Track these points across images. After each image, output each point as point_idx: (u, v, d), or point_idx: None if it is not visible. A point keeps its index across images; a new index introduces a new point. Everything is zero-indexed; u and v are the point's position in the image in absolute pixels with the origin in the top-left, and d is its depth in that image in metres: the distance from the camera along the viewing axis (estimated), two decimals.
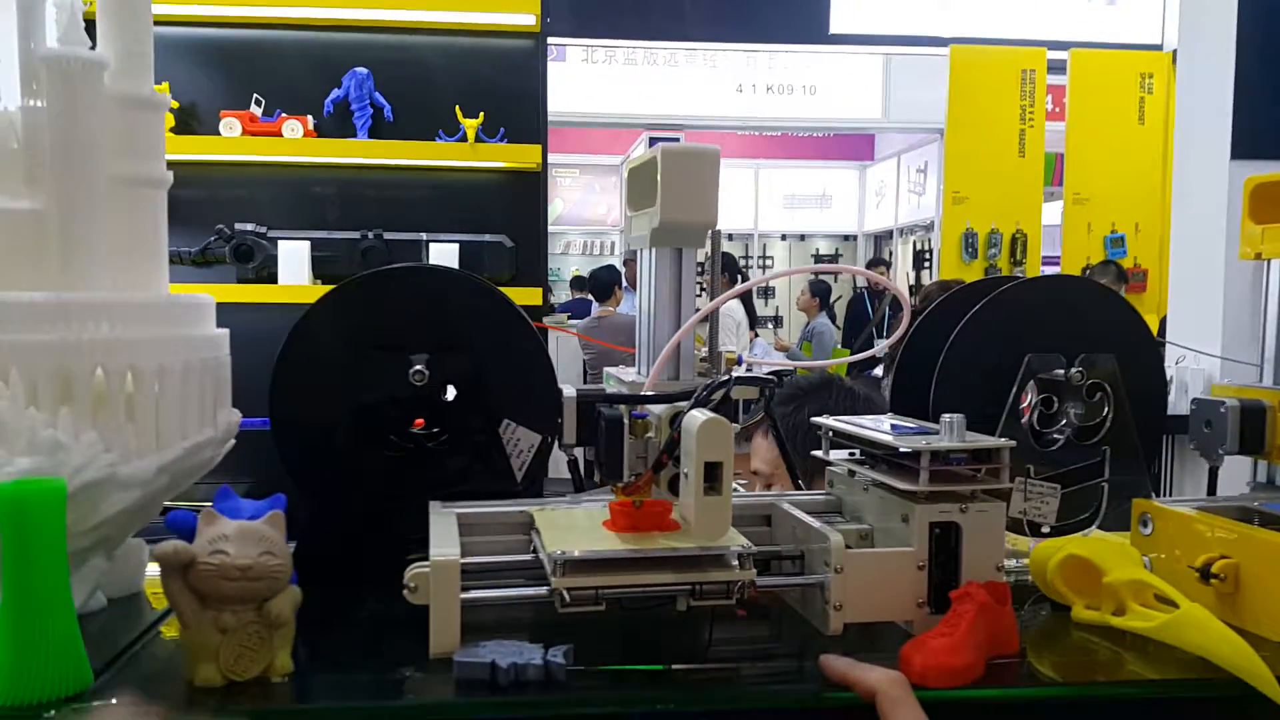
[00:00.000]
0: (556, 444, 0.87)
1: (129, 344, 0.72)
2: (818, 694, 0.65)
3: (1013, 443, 0.77)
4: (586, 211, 9.06)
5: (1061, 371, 0.92)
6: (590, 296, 5.62)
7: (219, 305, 0.86)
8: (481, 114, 2.48)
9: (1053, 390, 0.94)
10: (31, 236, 0.73)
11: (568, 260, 8.90)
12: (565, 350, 4.44)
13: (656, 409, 0.79)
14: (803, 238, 9.30)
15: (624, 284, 5.30)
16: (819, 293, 6.26)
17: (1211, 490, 0.97)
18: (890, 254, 8.49)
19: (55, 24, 0.77)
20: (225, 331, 0.85)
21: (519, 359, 0.87)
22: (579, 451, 0.89)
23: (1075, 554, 0.79)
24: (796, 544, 0.78)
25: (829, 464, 0.87)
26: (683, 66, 6.40)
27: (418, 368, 0.83)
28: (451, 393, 0.87)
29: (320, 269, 2.40)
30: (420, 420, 0.87)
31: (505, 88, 2.56)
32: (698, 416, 0.68)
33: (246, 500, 0.71)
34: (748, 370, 0.87)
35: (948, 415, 0.77)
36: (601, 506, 0.78)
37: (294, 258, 2.38)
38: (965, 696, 0.66)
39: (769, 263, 9.10)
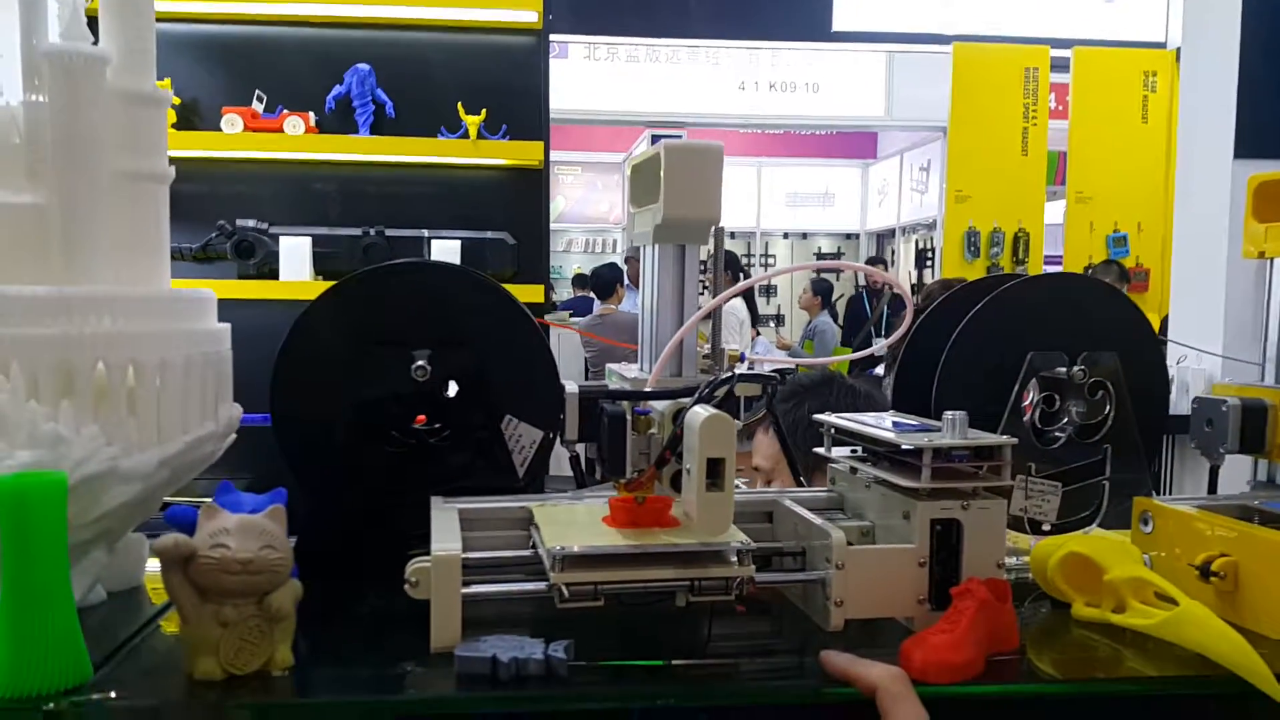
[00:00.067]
0: (559, 440, 0.87)
1: (131, 338, 0.72)
2: (818, 690, 0.65)
3: (1014, 440, 0.77)
4: (588, 209, 9.06)
5: (1064, 370, 0.92)
6: (592, 294, 5.62)
7: (220, 301, 0.86)
8: (484, 111, 2.48)
9: (1055, 388, 0.94)
10: (34, 231, 0.73)
11: (569, 258, 8.91)
12: (567, 348, 4.45)
13: (659, 405, 0.79)
14: (805, 236, 9.30)
15: (626, 282, 5.29)
16: (821, 291, 6.26)
17: (1212, 489, 0.97)
18: (893, 253, 8.49)
19: (57, 19, 0.77)
20: (226, 326, 0.85)
21: (521, 355, 0.87)
22: (580, 448, 0.89)
23: (1076, 551, 0.79)
24: (798, 540, 0.78)
25: (830, 461, 0.87)
26: (685, 64, 6.40)
27: (420, 363, 0.83)
28: (454, 389, 0.87)
29: (321, 265, 2.41)
30: (422, 417, 0.87)
31: (507, 85, 2.56)
32: (700, 413, 0.68)
33: (247, 494, 0.71)
34: (750, 368, 0.87)
35: (950, 412, 0.77)
36: (602, 503, 0.78)
37: (295, 254, 2.38)
38: (965, 693, 0.66)
39: (771, 261, 9.10)
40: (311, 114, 2.45)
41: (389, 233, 2.43)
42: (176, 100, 2.42)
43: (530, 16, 2.51)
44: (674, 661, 0.68)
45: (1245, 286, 3.02)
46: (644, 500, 0.74)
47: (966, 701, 0.66)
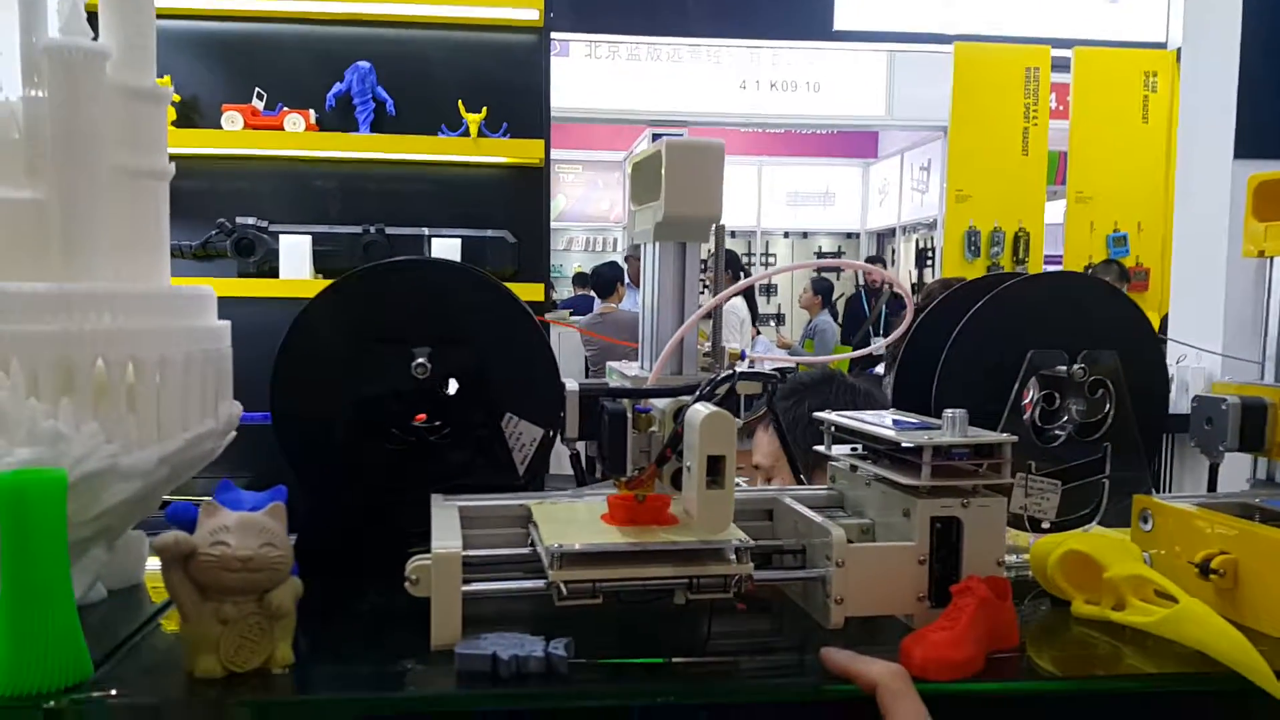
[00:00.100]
0: (559, 439, 0.87)
1: (130, 335, 0.72)
2: (818, 687, 0.65)
3: (1014, 438, 0.77)
4: (589, 208, 9.06)
5: (1064, 368, 0.92)
6: (592, 293, 5.62)
7: (220, 299, 0.86)
8: (484, 109, 2.48)
9: (1055, 386, 0.94)
10: (33, 227, 0.73)
11: (570, 256, 8.91)
12: (567, 346, 4.44)
13: (660, 403, 0.79)
14: (805, 235, 9.30)
15: (626, 280, 5.29)
16: (821, 290, 6.26)
17: (1212, 488, 0.97)
18: (893, 252, 8.49)
19: (57, 14, 0.77)
20: (227, 323, 0.85)
21: (522, 353, 0.87)
22: (580, 446, 0.89)
23: (1075, 549, 0.79)
24: (798, 538, 0.78)
25: (831, 459, 0.87)
26: (686, 63, 6.40)
27: (420, 361, 0.83)
28: (454, 386, 0.87)
29: (321, 263, 2.41)
30: (422, 415, 0.87)
31: (508, 82, 2.56)
32: (701, 410, 0.68)
33: (247, 492, 0.71)
34: (750, 366, 0.87)
35: (950, 410, 0.77)
36: (601, 501, 0.78)
37: (295, 252, 2.38)
38: (965, 690, 0.66)
39: (772, 260, 9.10)
40: (312, 111, 2.45)
41: (389, 231, 2.43)
42: (176, 98, 2.41)
43: (531, 14, 2.51)
44: (674, 659, 0.68)
45: (1245, 286, 3.02)
46: (644, 498, 0.74)
47: (967, 699, 0.66)
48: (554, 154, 2.62)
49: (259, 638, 0.63)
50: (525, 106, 2.54)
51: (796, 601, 0.79)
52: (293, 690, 0.63)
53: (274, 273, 2.39)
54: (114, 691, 0.62)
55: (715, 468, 0.68)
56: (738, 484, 0.72)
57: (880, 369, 3.37)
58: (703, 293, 0.90)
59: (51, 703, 0.60)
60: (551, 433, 0.87)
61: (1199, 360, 3.02)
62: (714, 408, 0.69)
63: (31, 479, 0.60)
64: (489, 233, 2.50)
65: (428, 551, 0.69)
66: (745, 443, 1.59)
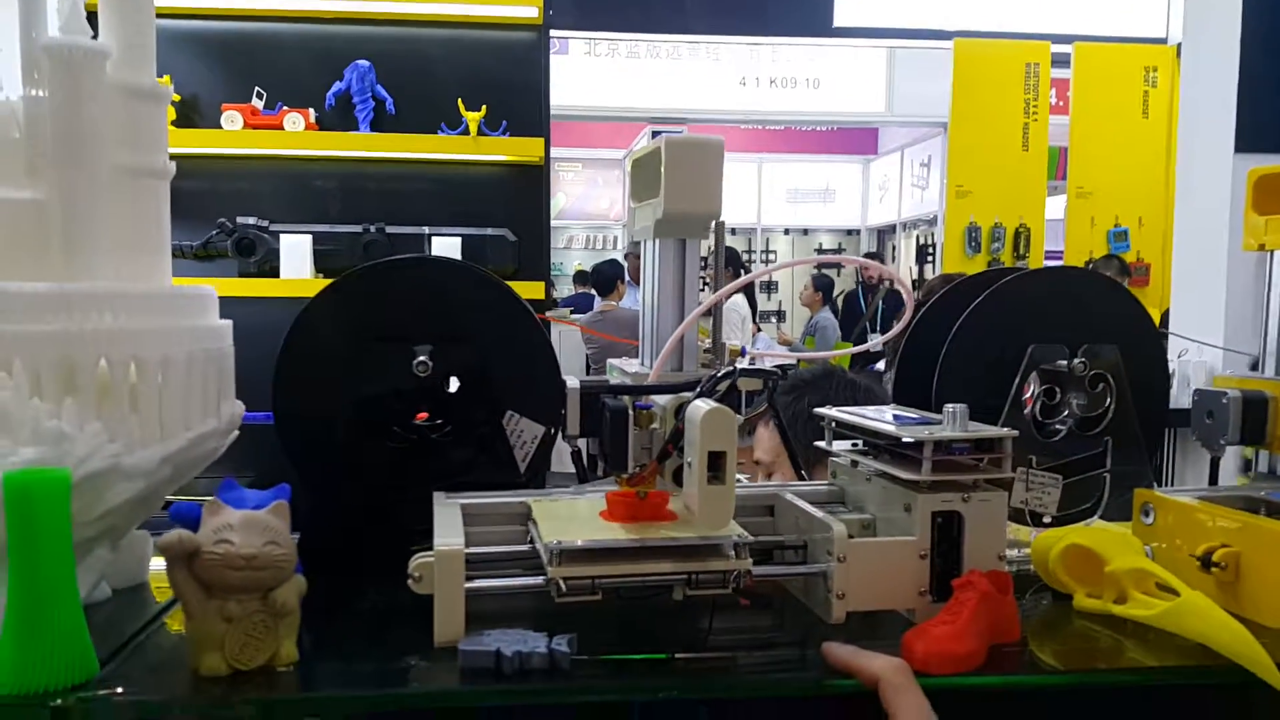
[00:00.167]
0: (560, 436, 0.87)
1: (132, 335, 0.72)
2: (820, 682, 0.66)
3: (1015, 432, 0.77)
4: (589, 206, 9.06)
5: (1064, 362, 0.92)
6: (593, 291, 5.62)
7: (221, 299, 0.86)
8: (484, 107, 2.48)
9: (1055, 381, 0.94)
10: (33, 227, 0.73)
11: (570, 255, 8.91)
12: (568, 344, 4.45)
13: (661, 400, 0.79)
14: (806, 232, 9.30)
15: (627, 278, 5.29)
16: (822, 287, 6.26)
17: (1213, 482, 0.97)
18: (894, 248, 8.49)
19: (57, 14, 0.77)
20: (228, 323, 0.85)
21: (523, 351, 0.88)
22: (581, 443, 0.89)
23: (1077, 543, 0.79)
24: (799, 534, 0.79)
25: (831, 454, 0.87)
26: (686, 60, 6.40)
27: (421, 359, 0.83)
28: (455, 384, 0.87)
29: (322, 262, 2.41)
30: (424, 413, 0.87)
31: (507, 81, 2.56)
32: (702, 406, 0.68)
33: (251, 490, 0.71)
34: (751, 362, 0.87)
35: (950, 405, 0.77)
36: (601, 498, 0.78)
37: (296, 251, 2.38)
38: (967, 684, 0.66)
39: (772, 257, 9.10)
40: (311, 110, 2.45)
41: (389, 229, 2.43)
42: (176, 97, 2.42)
43: (530, 12, 2.51)
44: (676, 655, 0.69)
45: (1246, 280, 3.02)
46: (645, 494, 0.74)
47: (968, 693, 0.66)
48: (554, 152, 2.62)
49: (263, 635, 0.63)
50: (525, 104, 2.55)
51: (798, 597, 0.79)
52: (297, 688, 0.64)
53: (275, 272, 2.39)
54: (120, 689, 0.62)
55: (716, 464, 0.68)
56: (739, 480, 0.72)
57: (881, 365, 3.37)
58: (703, 290, 0.90)
59: (58, 701, 0.60)
60: (553, 430, 0.87)
61: (1200, 354, 3.02)
62: (715, 404, 0.69)
63: (36, 478, 0.60)
64: (489, 231, 2.50)
65: (430, 549, 0.69)
66: (746, 439, 1.59)
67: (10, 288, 0.68)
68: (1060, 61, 4.89)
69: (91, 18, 0.78)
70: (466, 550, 0.69)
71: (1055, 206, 5.08)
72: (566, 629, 0.66)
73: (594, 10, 4.74)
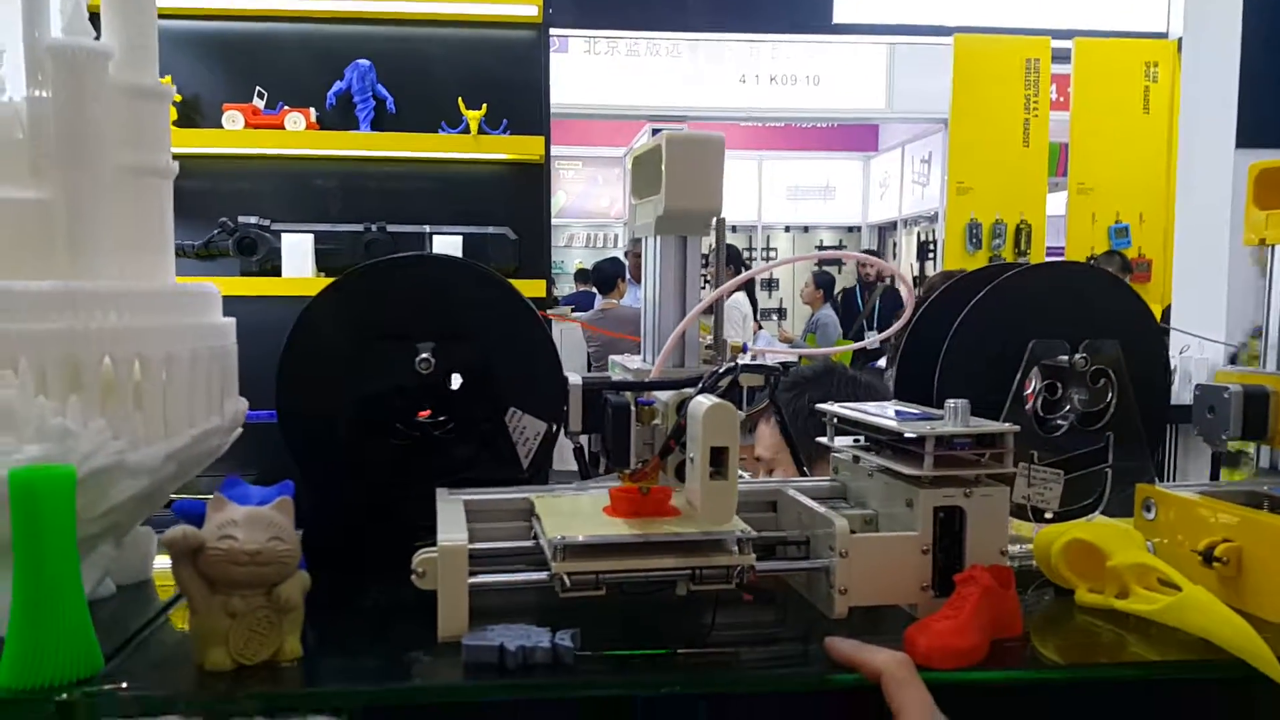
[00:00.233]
0: (563, 432, 0.87)
1: (136, 332, 0.72)
2: (822, 677, 0.66)
3: (1016, 427, 0.77)
4: (589, 204, 9.06)
5: (1066, 358, 0.93)
6: (594, 289, 5.62)
7: (222, 298, 0.86)
8: (484, 106, 2.48)
9: (1057, 376, 0.94)
10: (38, 226, 0.74)
11: (570, 253, 8.91)
12: (569, 342, 4.45)
13: (663, 396, 0.80)
14: (806, 229, 9.29)
15: (628, 277, 5.30)
16: (823, 284, 6.26)
17: (1215, 477, 0.98)
18: (894, 245, 8.48)
19: (60, 14, 0.78)
20: (231, 320, 0.86)
21: (525, 348, 0.88)
22: (583, 440, 0.90)
23: (1079, 538, 0.79)
24: (802, 529, 0.79)
25: (833, 450, 0.87)
26: (685, 57, 6.39)
27: (424, 356, 0.84)
28: (457, 381, 0.87)
29: (323, 261, 2.41)
30: (426, 411, 0.88)
31: (508, 79, 2.57)
32: (703, 402, 0.69)
33: (255, 487, 0.71)
34: (753, 359, 0.87)
35: (952, 400, 0.77)
36: (604, 493, 0.78)
37: (297, 250, 2.39)
38: (969, 679, 0.66)
39: (773, 254, 9.10)
40: (312, 110, 2.46)
41: (390, 228, 2.44)
42: (178, 98, 2.42)
43: (530, 10, 2.52)
44: (679, 650, 0.69)
45: (1247, 276, 3.02)
46: (648, 490, 0.74)
47: (971, 687, 0.66)
48: (554, 150, 2.63)
49: (267, 631, 0.63)
50: (525, 103, 2.55)
51: (800, 592, 0.79)
52: (301, 683, 0.64)
53: (276, 271, 2.40)
54: (124, 684, 0.62)
55: (718, 459, 0.68)
56: (740, 476, 0.72)
57: (882, 362, 3.37)
58: (703, 287, 0.90)
59: (63, 695, 0.60)
60: (555, 427, 0.87)
61: (1201, 350, 3.02)
62: (717, 399, 0.69)
63: (41, 475, 0.60)
64: (490, 229, 2.51)
65: (433, 545, 0.69)
66: (748, 437, 1.60)
67: (15, 286, 0.69)
68: (1060, 57, 4.88)
69: (94, 19, 0.78)
70: (470, 546, 0.69)
71: (1056, 203, 5.08)
72: (570, 624, 0.66)
73: (594, 8, 4.74)
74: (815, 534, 0.77)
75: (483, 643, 0.64)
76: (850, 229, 9.28)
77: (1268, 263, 0.97)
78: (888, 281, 6.87)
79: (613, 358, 0.94)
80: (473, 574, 0.69)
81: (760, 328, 5.57)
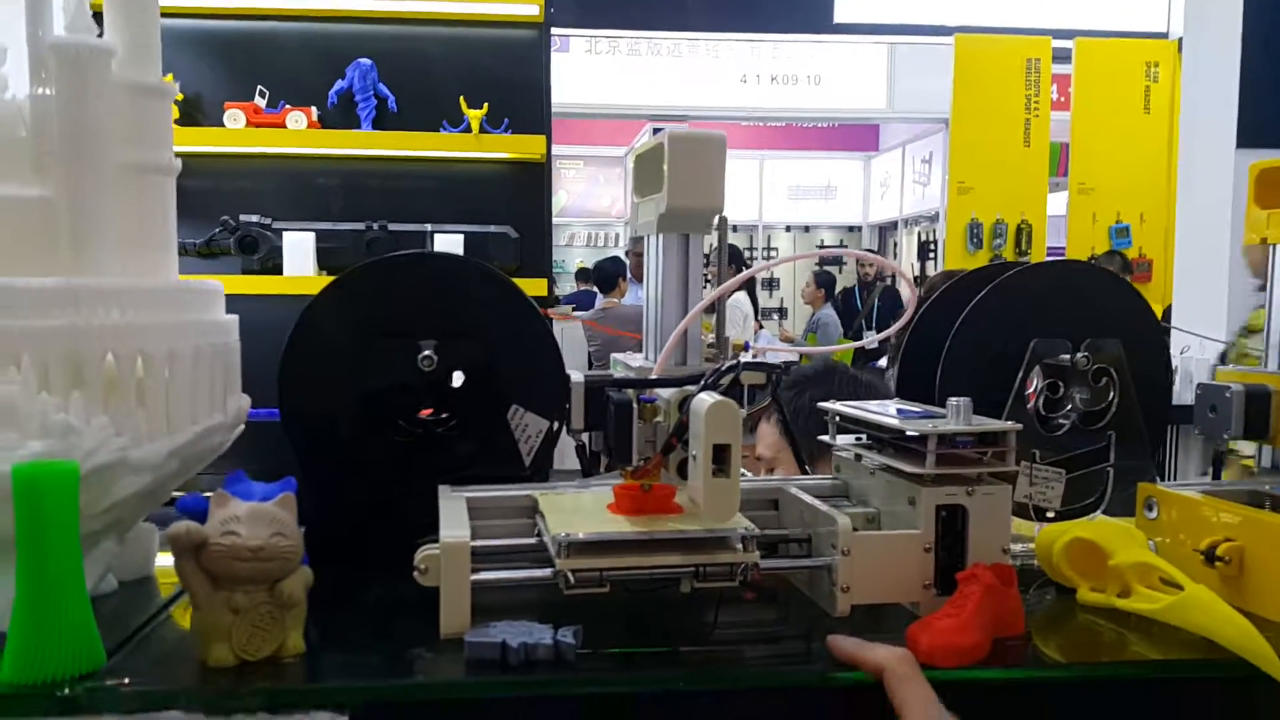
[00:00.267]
0: (565, 430, 0.87)
1: (139, 329, 0.72)
2: (824, 674, 0.66)
3: (1019, 425, 0.77)
4: (590, 203, 9.06)
5: (1067, 357, 0.93)
6: (594, 288, 5.62)
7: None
8: (485, 105, 2.48)
9: (1058, 375, 0.94)
10: (41, 223, 0.74)
11: (571, 252, 8.91)
12: (570, 341, 4.45)
13: (665, 393, 0.80)
14: (807, 229, 9.29)
15: (629, 276, 5.29)
16: (824, 284, 6.26)
17: (1216, 477, 0.98)
18: (895, 245, 8.48)
19: (63, 12, 0.78)
20: (234, 317, 0.86)
21: (527, 345, 0.88)
22: (585, 439, 0.90)
23: (1081, 536, 0.79)
24: (804, 527, 0.79)
25: (836, 448, 0.87)
26: (686, 57, 6.39)
27: (426, 353, 0.84)
28: (460, 379, 0.87)
29: (325, 260, 2.41)
30: (428, 409, 0.88)
31: (509, 78, 2.56)
32: (706, 399, 0.69)
33: (258, 483, 0.71)
34: (755, 357, 0.87)
35: (954, 399, 0.77)
36: (607, 490, 0.78)
37: (299, 249, 2.39)
38: (971, 677, 0.66)
39: (774, 254, 9.10)
40: (314, 109, 2.46)
41: (392, 227, 2.44)
42: (179, 96, 2.42)
43: (531, 10, 2.52)
44: (681, 647, 0.69)
45: (1248, 275, 3.01)
46: (650, 488, 0.74)
47: (972, 685, 0.66)
48: (555, 149, 2.63)
49: (270, 626, 0.64)
50: (526, 102, 2.55)
51: (802, 590, 0.79)
52: (304, 678, 0.64)
53: (278, 270, 2.40)
54: (126, 679, 0.62)
55: (721, 456, 0.68)
56: (742, 474, 0.72)
57: (883, 362, 3.37)
58: (706, 285, 0.90)
59: (65, 690, 0.60)
60: (557, 425, 0.87)
61: (1203, 350, 3.02)
62: (719, 397, 0.69)
63: (44, 470, 0.60)
64: (491, 228, 2.51)
65: (436, 541, 0.69)
66: (748, 436, 1.60)
67: (18, 283, 0.69)
68: (1061, 57, 4.88)
69: (97, 16, 0.78)
70: (472, 542, 0.69)
71: (1057, 203, 5.08)
72: (572, 622, 0.66)
73: (595, 8, 4.74)
74: (817, 532, 0.77)
75: (485, 639, 0.64)
76: (851, 229, 9.28)
77: (1269, 262, 0.97)
78: (887, 281, 6.88)
79: (615, 355, 0.94)
80: (475, 571, 0.69)
81: (761, 327, 5.56)
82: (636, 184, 0.91)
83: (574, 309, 5.42)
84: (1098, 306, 0.95)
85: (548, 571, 0.70)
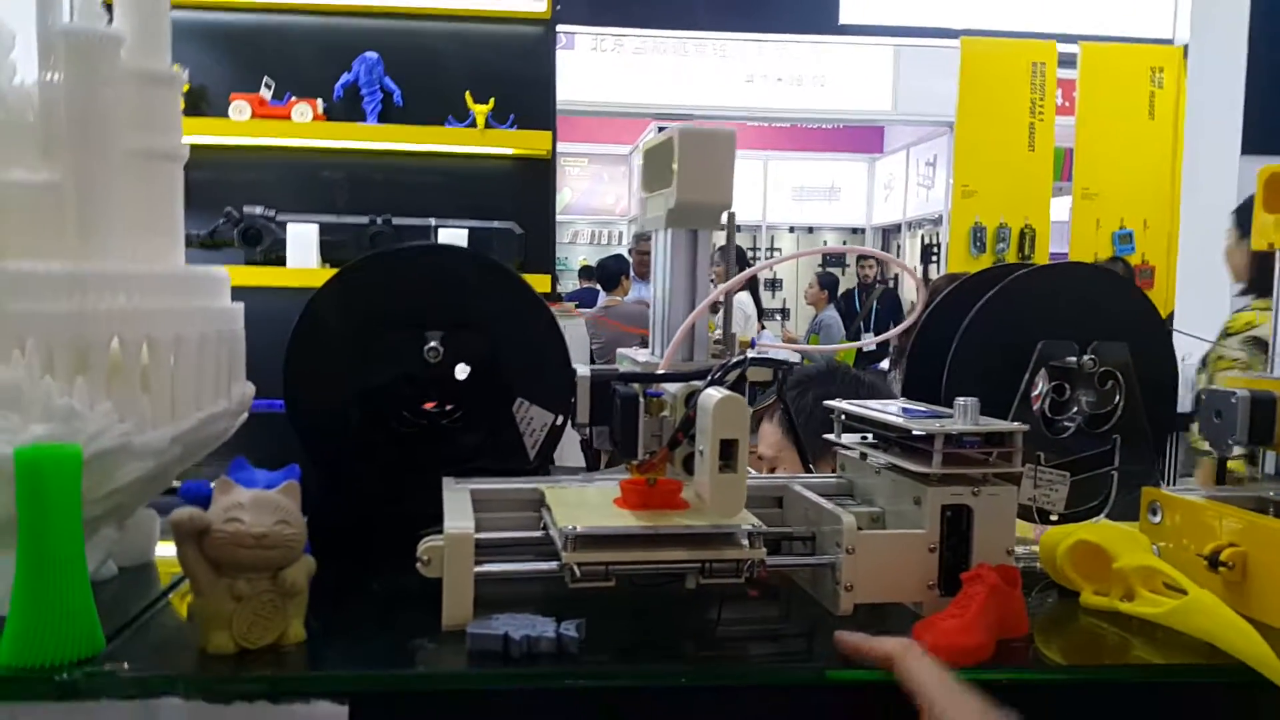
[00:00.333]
0: (570, 424, 0.87)
1: (145, 315, 0.72)
2: (826, 671, 0.66)
3: (1025, 426, 0.77)
4: (594, 201, 9.05)
5: (1074, 359, 0.92)
6: (598, 286, 5.62)
7: None
8: (491, 100, 2.47)
9: (1064, 378, 0.94)
10: (48, 209, 0.74)
11: (575, 250, 8.90)
12: (572, 338, 4.44)
13: (672, 388, 0.79)
14: (811, 230, 9.28)
15: (632, 274, 5.29)
16: (827, 285, 6.25)
17: (1220, 482, 0.98)
18: (898, 248, 8.47)
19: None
20: (240, 305, 0.85)
21: (533, 338, 0.88)
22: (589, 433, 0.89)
23: (1085, 539, 0.79)
24: (808, 525, 0.79)
25: (840, 447, 0.87)
26: (692, 56, 6.38)
27: (432, 345, 0.84)
28: (465, 371, 0.87)
29: (328, 253, 2.41)
30: (431, 403, 0.88)
31: (515, 74, 2.56)
32: (713, 394, 0.69)
33: (262, 470, 0.71)
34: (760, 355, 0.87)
35: (962, 399, 0.77)
36: (613, 485, 0.78)
37: (302, 241, 2.38)
38: (974, 678, 0.66)
39: (777, 254, 9.09)
40: (319, 101, 2.45)
41: (396, 221, 2.43)
42: (185, 87, 2.41)
43: (539, 6, 2.51)
44: (684, 642, 0.69)
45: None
46: (655, 482, 0.74)
47: (975, 686, 0.66)
48: (560, 147, 2.62)
49: (272, 614, 0.63)
50: (532, 98, 2.54)
51: (805, 588, 0.79)
52: (304, 667, 0.64)
53: (281, 262, 2.39)
54: (126, 664, 0.62)
55: (728, 452, 0.68)
56: (749, 471, 0.72)
57: (885, 364, 3.37)
58: (712, 281, 0.90)
59: (64, 674, 0.60)
60: (561, 418, 0.87)
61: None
62: (727, 392, 0.69)
63: (47, 454, 0.60)
64: (495, 224, 2.50)
65: (440, 533, 0.69)
66: (750, 435, 1.59)
67: (25, 268, 0.68)
68: (1067, 62, 4.87)
69: (107, 5, 0.78)
70: (476, 534, 0.69)
71: (1060, 208, 5.07)
72: (575, 615, 0.66)
73: (602, 6, 4.74)
74: (822, 530, 0.76)
75: (487, 631, 0.64)
76: (854, 230, 9.27)
77: (1276, 268, 0.96)
78: (888, 283, 6.87)
79: (621, 350, 0.93)
80: (478, 563, 0.69)
81: (764, 327, 5.56)
82: (645, 179, 0.91)
83: (577, 306, 5.41)
84: (1104, 309, 0.95)
85: (553, 564, 0.70)
